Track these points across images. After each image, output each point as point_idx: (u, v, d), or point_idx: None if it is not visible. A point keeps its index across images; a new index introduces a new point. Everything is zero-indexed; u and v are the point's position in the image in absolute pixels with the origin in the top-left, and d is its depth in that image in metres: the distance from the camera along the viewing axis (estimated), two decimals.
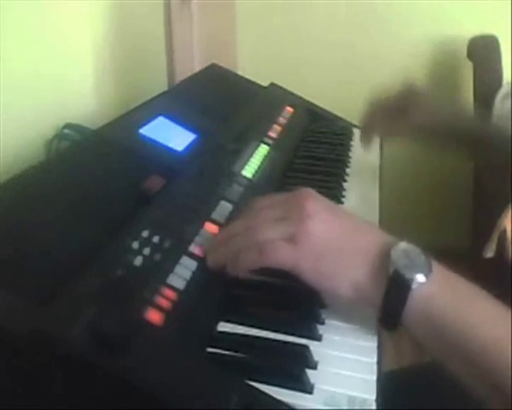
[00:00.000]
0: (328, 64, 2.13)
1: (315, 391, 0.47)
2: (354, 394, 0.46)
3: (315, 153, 0.97)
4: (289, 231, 0.52)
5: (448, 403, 0.71)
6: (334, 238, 0.52)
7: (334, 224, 0.53)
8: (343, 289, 0.52)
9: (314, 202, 0.54)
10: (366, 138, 0.91)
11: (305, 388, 0.47)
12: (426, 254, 0.51)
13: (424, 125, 0.86)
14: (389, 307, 0.50)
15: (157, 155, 0.74)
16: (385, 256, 0.50)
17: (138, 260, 0.52)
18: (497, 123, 0.86)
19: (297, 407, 0.44)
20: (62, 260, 0.50)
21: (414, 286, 0.48)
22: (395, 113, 0.88)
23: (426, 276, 0.49)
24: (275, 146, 0.89)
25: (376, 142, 0.90)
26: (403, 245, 0.51)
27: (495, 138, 0.82)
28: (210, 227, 0.61)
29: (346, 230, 0.54)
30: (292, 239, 0.52)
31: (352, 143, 1.04)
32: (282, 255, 0.51)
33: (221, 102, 1.01)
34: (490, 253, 1.73)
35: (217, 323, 0.53)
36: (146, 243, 0.54)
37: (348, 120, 1.16)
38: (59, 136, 0.89)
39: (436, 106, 0.88)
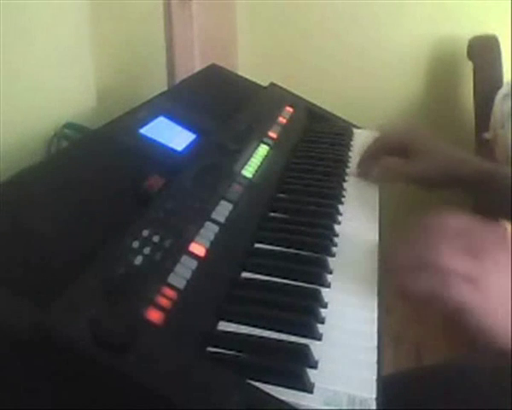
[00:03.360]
0: (328, 64, 2.13)
1: (315, 390, 0.47)
2: (354, 393, 0.46)
3: (315, 153, 0.97)
4: (473, 273, 0.54)
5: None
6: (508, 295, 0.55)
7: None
8: (503, 341, 0.54)
9: (505, 255, 0.57)
10: (363, 172, 0.90)
11: (306, 387, 0.46)
12: None
13: (426, 172, 0.84)
14: None
15: (157, 154, 0.74)
16: None
17: (138, 260, 0.52)
18: (499, 165, 0.85)
19: (297, 407, 0.44)
20: (63, 260, 0.50)
21: None
22: (394, 156, 0.87)
23: None
24: (275, 146, 0.89)
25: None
26: None
27: (498, 181, 0.81)
28: (210, 227, 0.61)
29: None
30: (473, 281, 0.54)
31: (351, 143, 1.04)
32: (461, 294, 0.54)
33: (221, 102, 1.01)
34: None
35: (217, 322, 0.53)
36: (146, 242, 0.54)
37: (348, 120, 1.16)
38: (59, 135, 0.89)
39: (438, 152, 0.86)
